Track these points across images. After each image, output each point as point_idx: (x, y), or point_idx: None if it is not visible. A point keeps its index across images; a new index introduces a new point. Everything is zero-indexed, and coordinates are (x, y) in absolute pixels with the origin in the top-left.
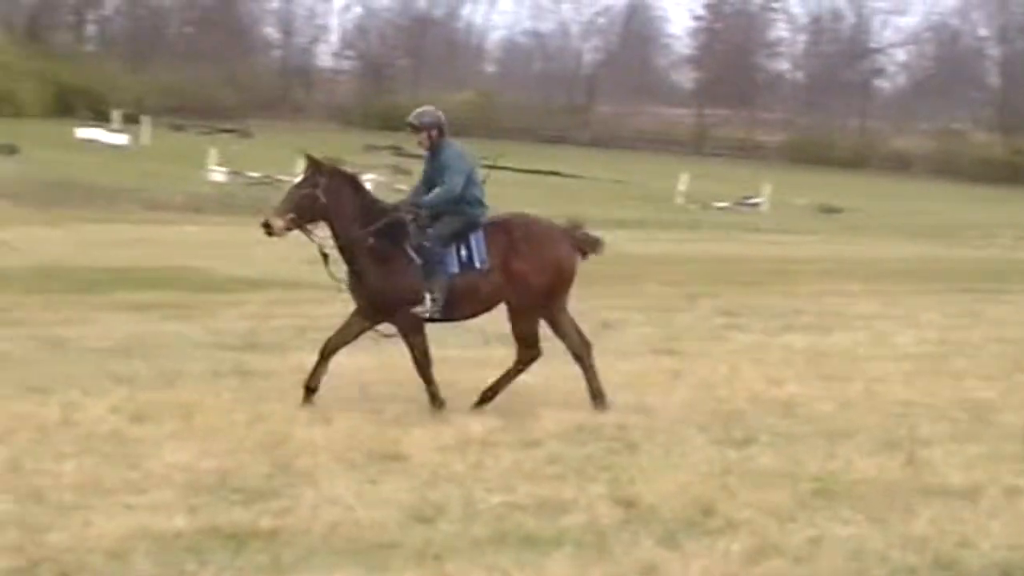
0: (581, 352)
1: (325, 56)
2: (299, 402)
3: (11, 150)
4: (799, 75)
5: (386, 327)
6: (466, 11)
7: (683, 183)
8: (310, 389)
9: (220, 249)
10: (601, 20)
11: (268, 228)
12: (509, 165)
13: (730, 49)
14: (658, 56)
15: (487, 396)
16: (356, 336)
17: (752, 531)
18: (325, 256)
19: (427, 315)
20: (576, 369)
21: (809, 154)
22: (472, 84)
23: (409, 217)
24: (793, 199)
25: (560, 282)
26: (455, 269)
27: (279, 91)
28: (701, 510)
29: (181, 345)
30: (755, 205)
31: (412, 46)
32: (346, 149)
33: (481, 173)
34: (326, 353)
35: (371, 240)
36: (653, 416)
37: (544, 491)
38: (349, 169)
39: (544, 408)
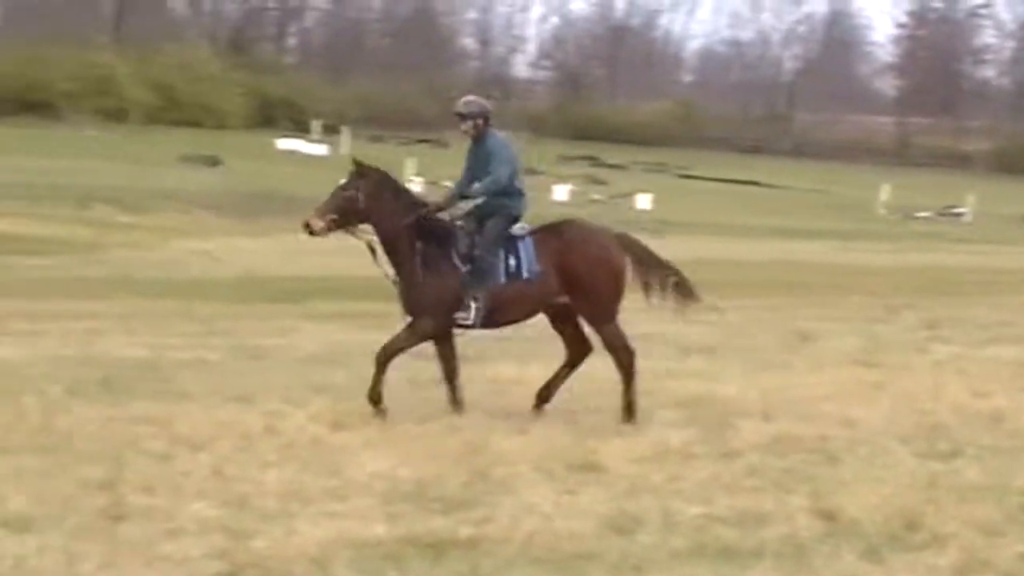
0: (576, 361)
1: (522, 66)
2: (496, 412)
3: (214, 162)
4: (1006, 82)
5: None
6: (664, 20)
7: (884, 193)
8: (458, 404)
9: None
10: (802, 28)
11: (309, 228)
12: (707, 175)
13: (934, 56)
14: (860, 64)
15: (628, 408)
16: (452, 349)
17: (959, 546)
18: (373, 250)
19: (468, 322)
20: (776, 380)
21: (1017, 162)
22: (669, 93)
23: (456, 222)
24: (999, 208)
25: (618, 283)
26: (502, 279)
27: None
28: (905, 524)
29: None
30: (959, 215)
31: (609, 55)
32: (542, 159)
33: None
34: (450, 380)
35: (417, 245)
36: (855, 428)
37: (743, 503)
38: (393, 175)
39: (742, 419)
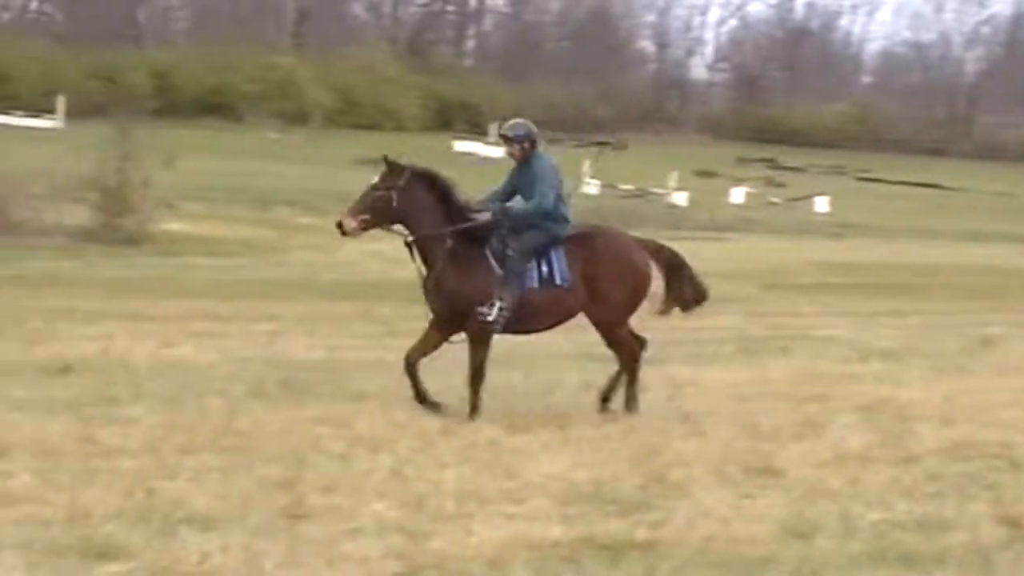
0: (632, 363)
1: (699, 68)
2: (673, 414)
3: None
4: None
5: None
6: (844, 22)
7: None
8: (426, 401)
9: None
10: (985, 29)
11: (341, 228)
12: (887, 178)
13: None
14: None
15: (630, 405)
16: (435, 348)
17: None
18: (412, 249)
19: (490, 321)
20: (957, 385)
21: None
22: (847, 95)
23: (496, 225)
24: None
25: (640, 293)
26: (535, 284)
27: (653, 104)
28: None
29: (556, 357)
30: None
31: (787, 57)
32: (718, 162)
33: (568, 188)
34: (411, 368)
35: (450, 243)
36: None
37: (923, 508)
38: (437, 172)
39: (922, 424)
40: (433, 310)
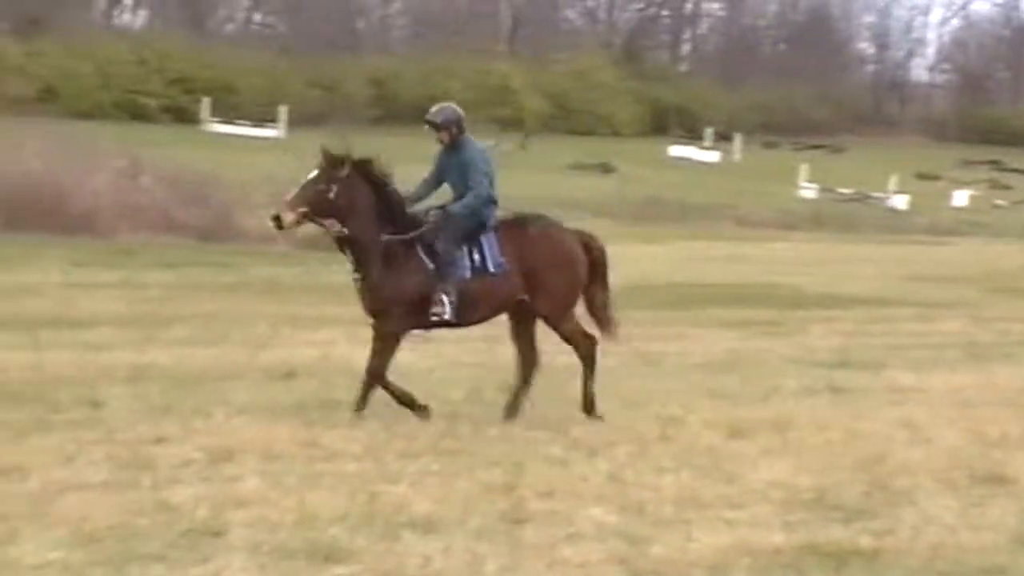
0: (529, 376)
1: (920, 70)
2: (896, 421)
3: (607, 169)
4: None
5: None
6: None
7: None
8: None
9: (810, 266)
10: None
11: (278, 221)
12: None
13: None
14: None
15: (589, 402)
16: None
17: None
18: (342, 245)
19: (444, 317)
20: None
21: None
22: None
23: (431, 225)
24: None
25: (577, 280)
26: (467, 274)
27: (872, 106)
28: None
29: (774, 361)
30: None
31: (1013, 57)
32: (940, 164)
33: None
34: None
35: (383, 244)
36: None
37: None
38: (378, 168)
39: None
40: (369, 312)
